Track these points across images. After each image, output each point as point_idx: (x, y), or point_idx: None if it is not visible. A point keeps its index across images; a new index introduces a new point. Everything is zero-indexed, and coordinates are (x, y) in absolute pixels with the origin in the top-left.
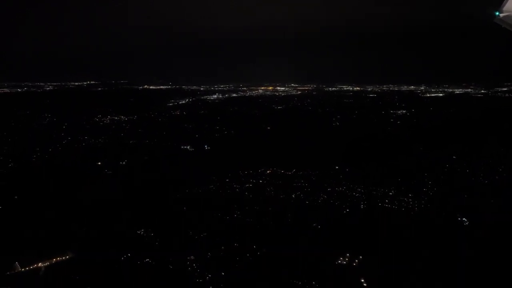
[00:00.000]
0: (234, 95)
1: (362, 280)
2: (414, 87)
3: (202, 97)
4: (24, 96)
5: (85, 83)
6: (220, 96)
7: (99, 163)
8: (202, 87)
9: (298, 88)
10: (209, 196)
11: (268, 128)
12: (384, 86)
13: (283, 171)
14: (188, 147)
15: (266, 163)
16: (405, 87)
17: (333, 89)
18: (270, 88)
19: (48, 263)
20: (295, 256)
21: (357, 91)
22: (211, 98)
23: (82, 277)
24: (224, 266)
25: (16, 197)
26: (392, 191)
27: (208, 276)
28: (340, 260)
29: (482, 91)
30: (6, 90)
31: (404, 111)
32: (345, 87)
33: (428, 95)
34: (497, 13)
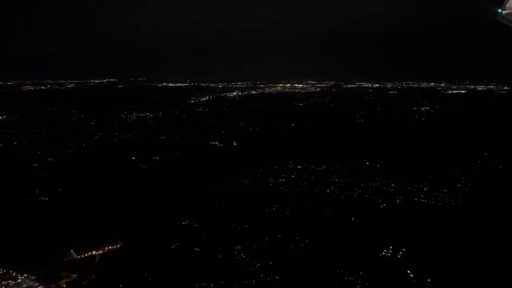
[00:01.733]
0: (253, 92)
1: (409, 271)
2: (434, 84)
3: (222, 94)
4: (48, 93)
5: (104, 80)
6: (240, 93)
7: (133, 158)
8: (220, 85)
9: (317, 85)
10: (245, 189)
11: (292, 124)
12: (403, 82)
13: (314, 167)
14: (216, 143)
15: (295, 159)
16: (425, 84)
17: (351, 86)
18: (288, 85)
19: (101, 252)
20: (339, 248)
21: (377, 88)
22: (231, 95)
23: (133, 265)
24: (271, 256)
25: (60, 189)
26: (427, 187)
27: (258, 265)
28: (384, 252)
29: (506, 87)
30: (31, 87)
31: (428, 108)
32: (364, 84)
33: (450, 92)
34: (499, 11)
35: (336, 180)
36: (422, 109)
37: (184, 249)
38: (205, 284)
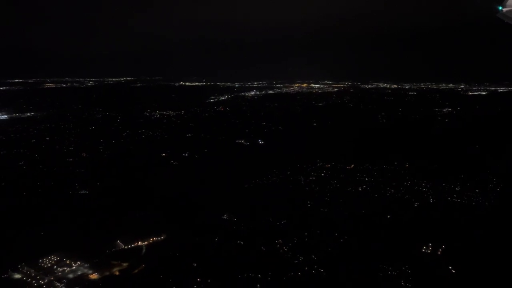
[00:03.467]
0: (271, 91)
1: (450, 267)
2: (453, 85)
3: (240, 94)
4: (70, 91)
5: (122, 79)
6: (258, 92)
7: (164, 155)
8: (237, 84)
9: (333, 85)
10: (276, 186)
11: (314, 124)
12: (422, 84)
13: (342, 165)
14: (242, 141)
15: (322, 158)
16: (444, 85)
17: (369, 86)
18: (305, 85)
19: (146, 243)
20: (379, 244)
21: (395, 88)
22: (250, 95)
23: (180, 256)
24: (312, 250)
25: (98, 183)
26: (458, 187)
27: (301, 258)
28: (424, 248)
29: None
30: (52, 85)
31: (450, 109)
32: (381, 85)
33: (470, 93)
34: (500, 8)
35: (366, 179)
36: (444, 110)
37: (227, 241)
38: (252, 275)
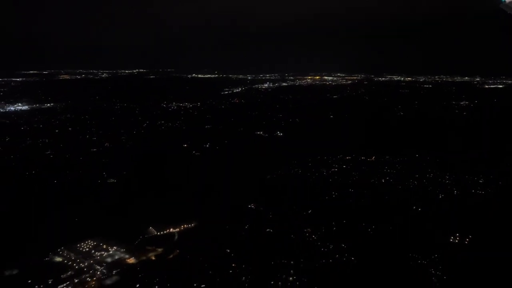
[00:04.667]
0: (284, 84)
1: (478, 256)
2: (469, 78)
3: (253, 86)
4: (85, 82)
5: (135, 71)
6: (271, 85)
7: (185, 145)
8: (249, 76)
9: (346, 77)
10: (299, 177)
11: (331, 116)
12: (436, 76)
13: (364, 158)
14: (261, 132)
15: (342, 149)
16: (459, 78)
17: (383, 79)
18: (317, 77)
19: (178, 229)
20: (407, 234)
21: (409, 81)
22: (263, 87)
23: (212, 243)
24: (341, 239)
25: (124, 172)
26: (482, 179)
27: (331, 246)
28: (452, 238)
29: None
30: (67, 77)
31: (467, 102)
32: (395, 78)
33: (487, 86)
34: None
35: (389, 171)
36: (462, 103)
37: (257, 230)
38: (285, 261)
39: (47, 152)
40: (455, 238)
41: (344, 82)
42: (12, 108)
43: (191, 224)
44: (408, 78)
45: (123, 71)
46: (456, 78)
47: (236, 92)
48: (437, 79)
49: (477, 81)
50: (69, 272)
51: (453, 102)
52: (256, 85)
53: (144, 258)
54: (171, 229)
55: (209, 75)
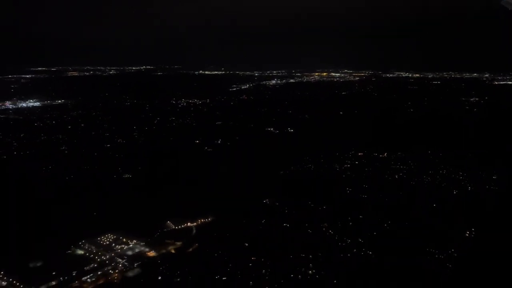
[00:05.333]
0: (292, 80)
1: (494, 252)
2: (478, 75)
3: (261, 83)
4: (93, 79)
5: (142, 67)
6: (278, 81)
7: (197, 142)
8: (256, 73)
9: (354, 74)
10: (313, 173)
11: (341, 112)
12: (445, 73)
13: (376, 154)
14: (271, 129)
15: (354, 146)
16: (467, 74)
17: (390, 75)
18: (325, 74)
19: (195, 224)
20: (423, 228)
21: (418, 78)
22: (271, 84)
23: (230, 237)
24: (358, 234)
25: (139, 168)
26: (495, 175)
27: (348, 241)
28: (468, 233)
29: None
30: (75, 73)
31: (477, 99)
32: (403, 74)
33: (496, 82)
34: None
35: (402, 167)
36: (471, 99)
37: (274, 224)
38: (303, 255)
39: (62, 148)
40: (470, 233)
41: (352, 78)
42: (24, 105)
43: (207, 219)
44: (416, 75)
45: (130, 68)
46: (464, 74)
47: (244, 88)
48: (446, 75)
49: (486, 77)
50: (92, 265)
51: (463, 99)
52: (264, 82)
53: (164, 251)
54: (189, 223)
55: (216, 72)
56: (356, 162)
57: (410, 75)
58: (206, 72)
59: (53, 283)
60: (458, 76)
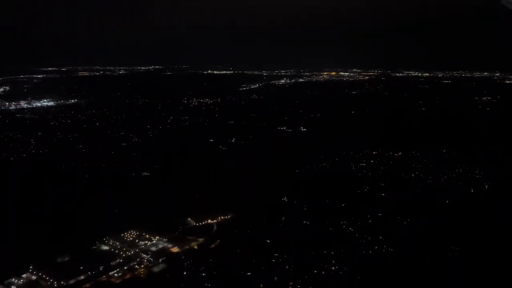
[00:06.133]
0: (301, 80)
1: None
2: (488, 74)
3: (270, 82)
4: (104, 79)
5: (151, 67)
6: (288, 80)
7: (211, 140)
8: (265, 73)
9: (363, 73)
10: (328, 171)
11: (352, 112)
12: (455, 72)
13: (391, 153)
14: (284, 128)
15: (368, 145)
16: (478, 73)
17: (400, 75)
18: (334, 73)
19: (215, 221)
20: (442, 226)
21: (428, 77)
22: (280, 83)
23: (250, 233)
24: (378, 231)
25: (156, 166)
26: None
27: (369, 238)
28: (486, 231)
29: None
30: (85, 73)
31: (489, 98)
32: (412, 73)
33: (508, 82)
34: None
35: (417, 166)
36: (484, 98)
37: (294, 222)
38: (325, 252)
39: (79, 147)
40: (488, 231)
41: (361, 78)
42: (39, 104)
43: (227, 216)
44: (426, 74)
45: (139, 68)
46: (475, 73)
47: (254, 88)
48: (456, 74)
49: (497, 76)
50: (118, 260)
51: (475, 98)
52: (273, 81)
53: (187, 247)
54: (209, 220)
55: (225, 72)
56: (372, 161)
57: (420, 74)
58: (215, 72)
59: (82, 277)
60: (468, 75)
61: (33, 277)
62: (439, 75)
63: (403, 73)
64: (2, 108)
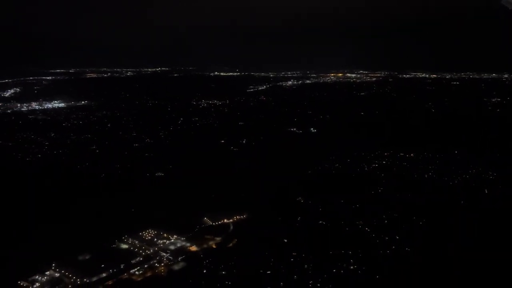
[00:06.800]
0: (308, 81)
1: None
2: (497, 75)
3: (277, 84)
4: (112, 81)
5: (158, 69)
6: (295, 82)
7: (223, 141)
8: (271, 74)
9: (370, 75)
10: (341, 172)
11: (362, 113)
12: (463, 73)
13: (402, 154)
14: (294, 129)
15: (378, 146)
16: (486, 74)
17: (407, 76)
18: (340, 74)
19: (231, 220)
20: (458, 227)
21: (435, 78)
22: (287, 84)
23: (267, 232)
24: (395, 231)
25: (170, 166)
26: None
27: (386, 238)
28: (500, 233)
29: None
30: (93, 75)
31: (499, 99)
32: (420, 75)
33: None
34: None
35: (430, 167)
36: (493, 100)
37: (310, 221)
38: (343, 251)
39: (92, 147)
40: (503, 233)
41: (368, 79)
42: (50, 106)
43: (243, 216)
44: (434, 75)
45: (146, 69)
46: (483, 74)
47: (261, 89)
48: (464, 75)
49: (506, 77)
50: (138, 258)
51: (485, 99)
52: (280, 83)
53: (205, 246)
54: (225, 220)
55: (231, 73)
56: (384, 162)
57: (427, 75)
58: (222, 74)
59: (104, 274)
60: (476, 76)
61: (56, 274)
62: (447, 77)
63: (410, 74)
64: (15, 109)
